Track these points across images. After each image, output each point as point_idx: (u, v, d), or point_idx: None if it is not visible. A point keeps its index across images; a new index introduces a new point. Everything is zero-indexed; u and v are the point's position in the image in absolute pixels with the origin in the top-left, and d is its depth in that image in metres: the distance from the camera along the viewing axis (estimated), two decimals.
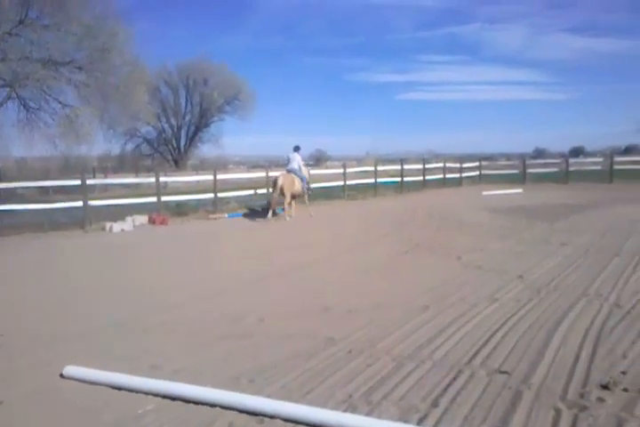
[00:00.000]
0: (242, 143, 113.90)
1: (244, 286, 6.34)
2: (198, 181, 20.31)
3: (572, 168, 23.72)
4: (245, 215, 14.31)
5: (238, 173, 24.53)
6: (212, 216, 14.07)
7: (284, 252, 8.72)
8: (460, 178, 23.44)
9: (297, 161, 13.60)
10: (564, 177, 22.81)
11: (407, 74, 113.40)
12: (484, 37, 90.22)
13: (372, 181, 19.89)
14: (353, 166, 23.60)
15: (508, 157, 47.51)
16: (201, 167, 41.13)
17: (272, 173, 15.45)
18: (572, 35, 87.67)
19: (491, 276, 6.33)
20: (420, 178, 22.07)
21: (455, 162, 24.96)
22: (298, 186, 13.28)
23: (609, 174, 22.26)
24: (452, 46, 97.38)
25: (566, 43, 79.04)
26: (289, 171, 13.36)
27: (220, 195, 15.10)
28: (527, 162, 25.20)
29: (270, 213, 13.03)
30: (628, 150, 52.19)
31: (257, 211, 14.68)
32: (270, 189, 14.16)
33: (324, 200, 17.51)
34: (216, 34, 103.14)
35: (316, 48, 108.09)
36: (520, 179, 23.11)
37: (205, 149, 49.69)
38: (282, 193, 12.86)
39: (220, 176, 16.00)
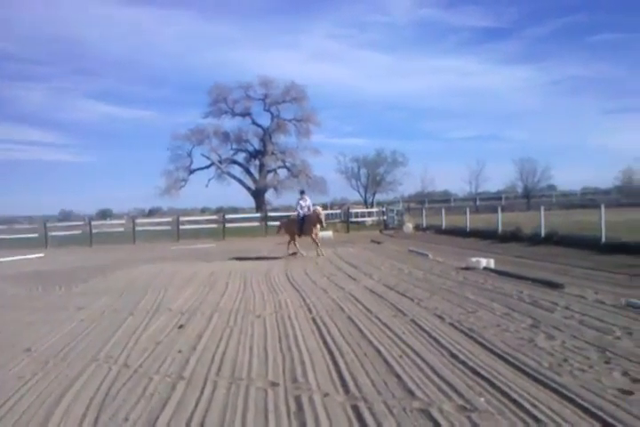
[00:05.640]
0: None
1: None
2: None
3: (96, 230, 24.16)
4: None
5: None
6: None
7: None
8: None
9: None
10: (88, 239, 22.91)
11: None
12: (4, 94, 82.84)
13: None
14: None
15: (31, 220, 44.96)
16: None
17: None
18: (95, 100, 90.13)
19: None
20: None
21: None
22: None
23: (132, 236, 23.56)
24: None
25: (89, 107, 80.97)
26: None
27: None
28: (50, 225, 24.51)
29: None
30: (152, 212, 56.57)
31: None
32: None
33: None
34: None
35: None
36: (42, 243, 22.05)
37: None
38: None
39: None
